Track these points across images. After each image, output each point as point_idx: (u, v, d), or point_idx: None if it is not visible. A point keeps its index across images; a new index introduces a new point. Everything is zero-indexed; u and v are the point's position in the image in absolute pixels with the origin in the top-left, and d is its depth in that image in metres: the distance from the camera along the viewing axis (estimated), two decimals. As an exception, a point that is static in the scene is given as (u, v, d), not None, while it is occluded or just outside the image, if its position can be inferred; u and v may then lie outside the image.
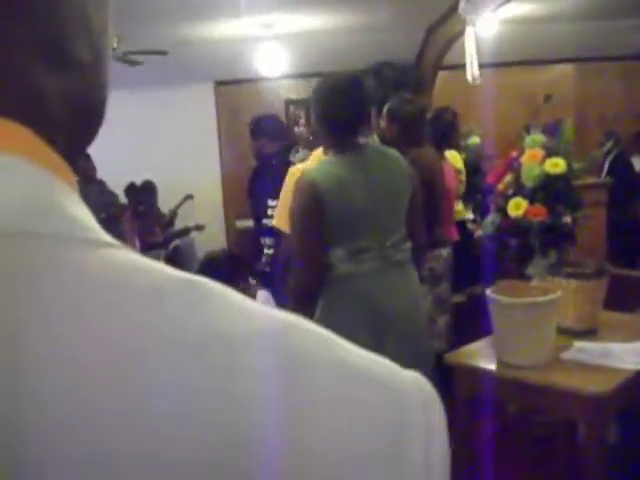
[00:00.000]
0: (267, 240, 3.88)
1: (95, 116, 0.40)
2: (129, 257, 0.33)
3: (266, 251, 3.86)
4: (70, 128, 0.37)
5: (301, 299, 2.32)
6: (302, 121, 4.89)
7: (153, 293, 0.31)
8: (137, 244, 6.44)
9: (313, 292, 2.31)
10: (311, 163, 2.73)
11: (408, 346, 2.26)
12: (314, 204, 2.24)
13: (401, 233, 2.39)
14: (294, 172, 2.81)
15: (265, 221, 3.87)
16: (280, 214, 2.86)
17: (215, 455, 0.28)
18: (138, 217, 6.64)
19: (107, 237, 0.33)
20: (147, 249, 6.32)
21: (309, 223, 2.27)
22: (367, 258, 2.30)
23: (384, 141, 3.20)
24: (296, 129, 4.47)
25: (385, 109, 3.67)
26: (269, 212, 3.85)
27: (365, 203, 2.29)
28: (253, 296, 3.81)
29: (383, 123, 3.67)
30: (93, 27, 0.38)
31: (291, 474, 0.29)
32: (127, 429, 0.28)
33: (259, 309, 0.33)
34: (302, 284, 2.32)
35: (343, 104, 2.33)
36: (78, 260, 0.31)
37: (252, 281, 3.85)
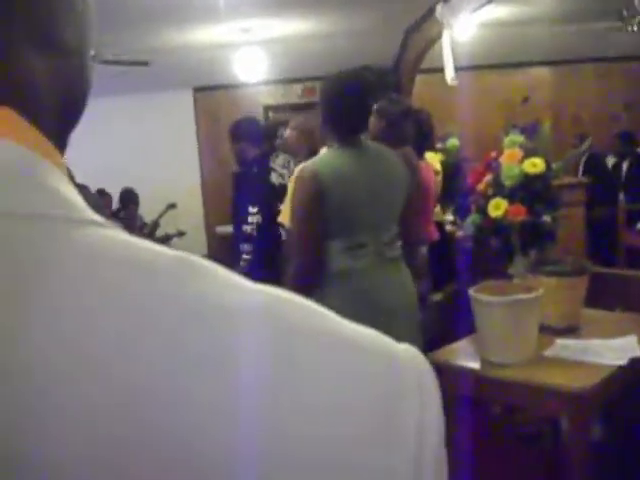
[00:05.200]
0: (246, 246, 3.85)
1: (80, 100, 0.41)
2: (119, 236, 0.33)
3: (244, 257, 3.83)
4: (57, 111, 0.38)
5: (299, 288, 2.29)
6: (283, 128, 4.87)
7: (145, 269, 0.31)
8: None
9: (311, 282, 2.30)
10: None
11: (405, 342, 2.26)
12: (316, 193, 2.26)
13: (395, 230, 2.44)
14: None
15: (245, 227, 3.84)
16: (286, 211, 2.91)
17: (201, 433, 0.28)
18: (119, 224, 6.59)
19: (96, 216, 0.34)
20: None
21: (310, 212, 2.29)
22: (364, 254, 2.32)
23: (372, 139, 3.22)
24: (285, 133, 4.45)
25: (374, 108, 3.68)
26: (249, 219, 3.83)
27: (365, 197, 2.32)
28: None
29: (371, 122, 3.69)
30: (78, 12, 0.39)
31: (278, 444, 0.29)
32: (124, 410, 0.28)
33: (249, 284, 0.33)
34: (301, 273, 2.32)
35: (347, 102, 2.38)
36: (71, 238, 0.31)
37: None
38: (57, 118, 0.38)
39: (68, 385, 0.27)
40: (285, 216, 2.91)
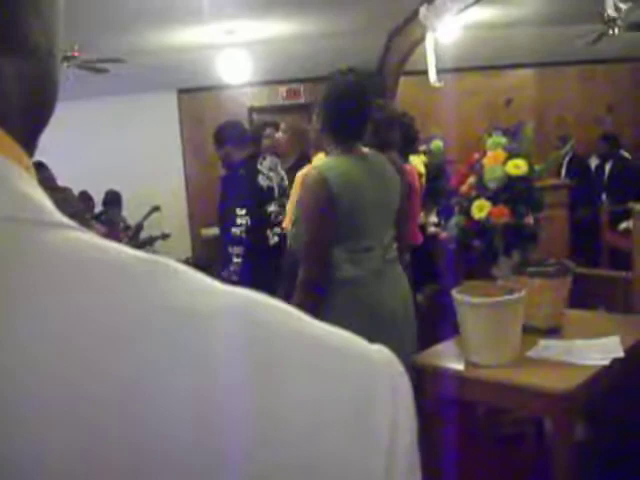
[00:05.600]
0: (236, 249, 3.83)
1: (49, 102, 0.40)
2: (88, 238, 0.32)
3: (235, 260, 3.82)
4: (25, 114, 0.37)
5: (310, 293, 2.29)
6: (270, 129, 4.85)
7: (116, 272, 0.31)
8: None
9: (323, 286, 2.29)
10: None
11: (406, 344, 2.33)
12: (327, 198, 2.26)
13: (392, 234, 2.47)
14: (303, 176, 2.87)
15: (234, 230, 3.83)
16: (288, 217, 2.93)
17: (183, 432, 0.28)
18: (102, 225, 6.56)
19: (64, 219, 0.33)
20: None
21: (322, 218, 2.28)
22: (369, 257, 2.34)
23: None
24: (266, 138, 4.44)
25: None
26: (237, 221, 3.82)
27: (370, 201, 2.34)
28: None
29: None
30: (45, 11, 0.38)
31: (258, 442, 0.29)
32: (111, 410, 0.28)
33: (222, 287, 0.33)
34: (313, 280, 2.30)
35: (348, 108, 2.39)
36: (38, 241, 0.31)
37: None
38: (25, 121, 0.37)
39: (52, 382, 0.27)
40: (288, 221, 2.89)
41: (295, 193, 2.95)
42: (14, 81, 0.36)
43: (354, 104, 2.40)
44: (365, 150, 2.49)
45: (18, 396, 0.27)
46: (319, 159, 2.82)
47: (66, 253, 0.31)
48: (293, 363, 0.31)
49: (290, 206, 3.02)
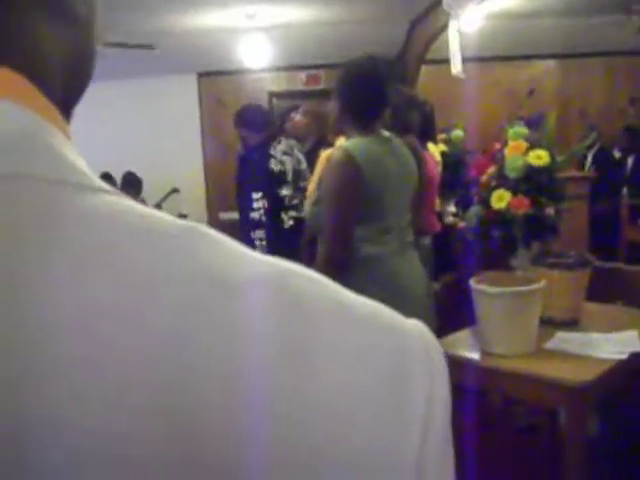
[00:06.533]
0: (258, 233, 3.86)
1: (88, 68, 0.41)
2: (126, 203, 0.33)
3: (258, 243, 3.85)
4: (66, 79, 0.38)
5: (330, 273, 2.27)
6: (294, 112, 4.85)
7: (154, 236, 0.31)
8: None
9: (344, 266, 2.27)
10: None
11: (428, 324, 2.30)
12: (354, 176, 2.24)
13: (409, 217, 2.46)
14: (327, 157, 2.86)
15: (252, 214, 3.85)
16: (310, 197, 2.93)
17: (208, 398, 0.28)
18: None
19: (103, 183, 0.33)
20: None
21: (350, 194, 2.26)
22: (389, 239, 2.33)
23: None
24: (295, 117, 4.45)
25: None
26: (254, 205, 3.84)
27: (393, 183, 2.33)
28: None
29: None
30: None
31: (287, 423, 0.29)
32: (142, 363, 0.27)
33: (259, 256, 0.33)
34: (335, 259, 2.28)
35: (368, 89, 2.39)
36: (78, 203, 0.31)
37: None
38: (62, 87, 0.38)
39: (89, 336, 0.27)
40: (309, 202, 2.90)
41: (317, 173, 2.93)
42: (56, 49, 0.37)
43: (372, 86, 2.39)
44: (385, 133, 2.48)
45: (34, 354, 0.27)
46: (341, 142, 2.80)
47: (107, 216, 0.31)
48: (326, 336, 0.31)
49: (312, 186, 3.01)
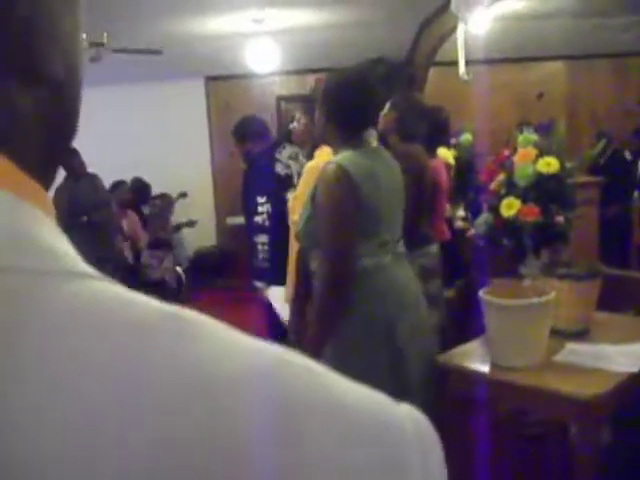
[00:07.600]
0: (261, 237, 3.86)
1: (69, 131, 0.39)
2: (110, 289, 0.31)
3: (261, 248, 3.85)
4: (45, 145, 0.36)
5: (335, 292, 2.23)
6: (298, 117, 4.85)
7: (136, 329, 0.30)
8: (144, 239, 6.44)
9: (349, 284, 2.23)
10: (319, 161, 2.75)
11: (420, 337, 2.30)
12: (350, 192, 2.20)
13: (400, 228, 2.43)
14: (312, 169, 2.82)
15: (257, 218, 3.86)
16: (296, 207, 2.89)
17: None
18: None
19: (87, 268, 0.32)
20: (156, 245, 6.32)
21: (347, 212, 2.22)
22: (385, 252, 2.31)
23: (382, 132, 3.18)
24: (292, 125, 4.44)
25: (389, 102, 3.64)
26: (259, 209, 3.85)
27: (386, 195, 2.30)
28: (263, 296, 3.84)
29: (383, 115, 3.65)
30: (64, 42, 0.37)
31: None
32: None
33: (246, 343, 0.32)
34: (337, 276, 2.23)
35: (351, 100, 2.33)
36: (60, 293, 0.30)
37: (259, 284, 3.85)
38: (44, 153, 0.36)
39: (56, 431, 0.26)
40: (295, 213, 2.85)
41: (304, 185, 2.87)
42: (33, 116, 0.35)
43: (358, 96, 2.33)
44: (374, 143, 2.44)
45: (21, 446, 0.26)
46: (326, 153, 2.75)
47: (88, 306, 0.30)
48: (321, 431, 0.30)
49: (298, 199, 2.94)
